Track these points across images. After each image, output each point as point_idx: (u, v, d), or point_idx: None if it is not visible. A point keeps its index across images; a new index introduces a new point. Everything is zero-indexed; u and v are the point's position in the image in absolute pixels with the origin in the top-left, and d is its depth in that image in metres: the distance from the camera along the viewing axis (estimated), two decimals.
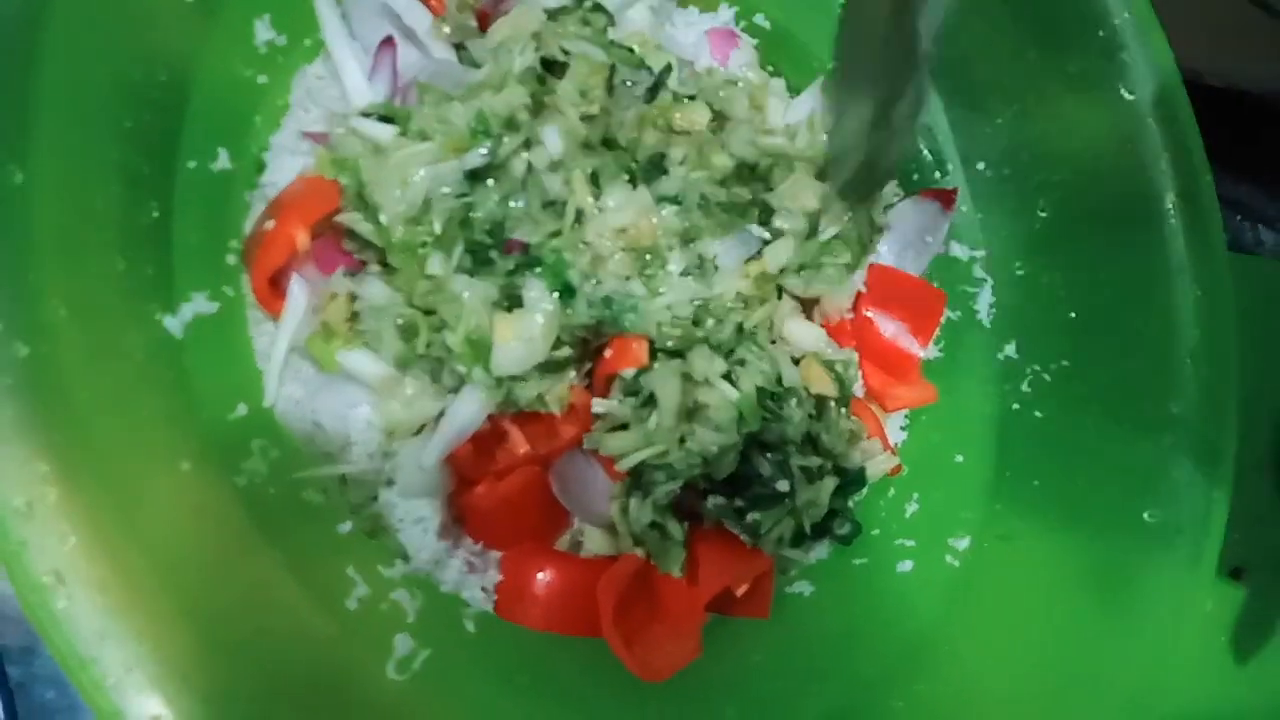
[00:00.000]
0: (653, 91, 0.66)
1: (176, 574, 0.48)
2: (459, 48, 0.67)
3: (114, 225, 0.53)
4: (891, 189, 0.78)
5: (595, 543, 0.66)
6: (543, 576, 0.63)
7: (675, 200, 0.66)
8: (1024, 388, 0.72)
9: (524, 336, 0.58)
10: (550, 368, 0.60)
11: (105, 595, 0.44)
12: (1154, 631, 0.61)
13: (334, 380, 0.62)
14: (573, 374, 0.63)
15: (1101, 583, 0.63)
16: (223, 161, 0.61)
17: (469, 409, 0.59)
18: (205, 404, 0.56)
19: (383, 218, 0.59)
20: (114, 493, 0.47)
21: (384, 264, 0.62)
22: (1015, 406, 0.72)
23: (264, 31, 0.63)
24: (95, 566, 0.44)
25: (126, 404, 0.51)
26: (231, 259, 0.61)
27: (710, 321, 0.65)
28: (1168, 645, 0.60)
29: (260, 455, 0.57)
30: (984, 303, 0.75)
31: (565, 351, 0.60)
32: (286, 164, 0.64)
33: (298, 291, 0.60)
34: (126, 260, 0.53)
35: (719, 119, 0.70)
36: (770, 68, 0.80)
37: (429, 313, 0.60)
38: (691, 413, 0.63)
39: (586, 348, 0.63)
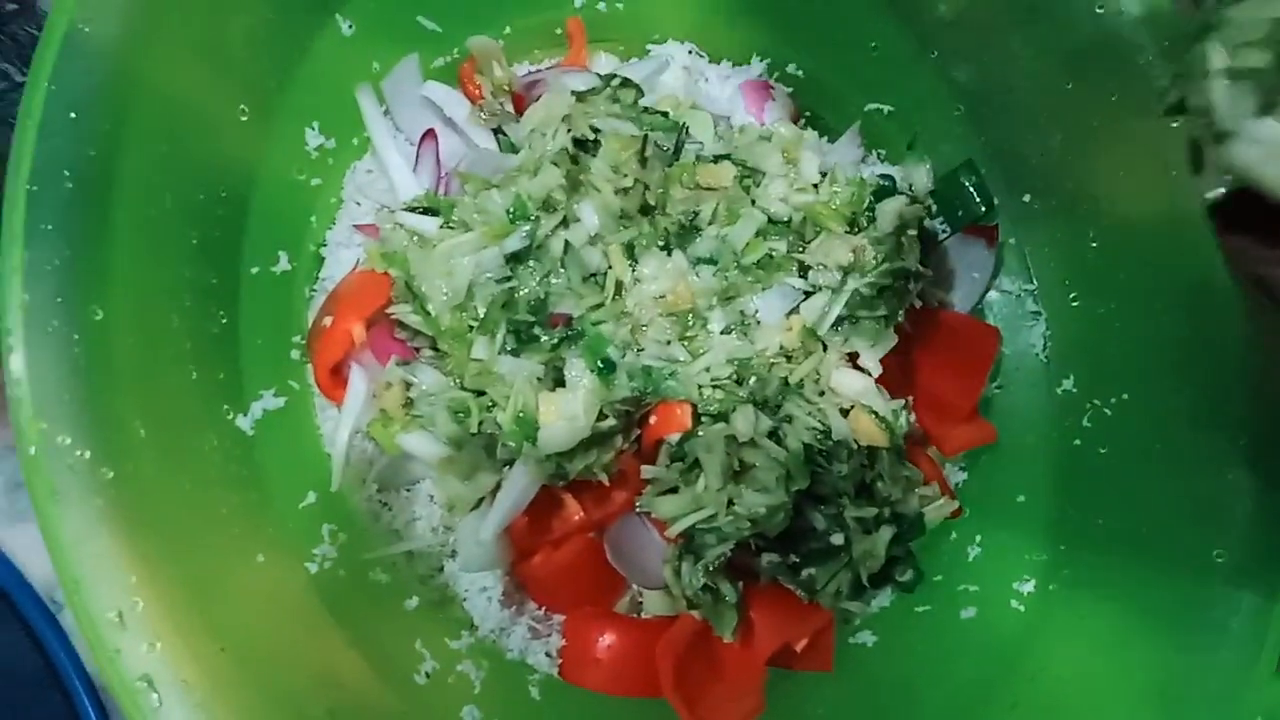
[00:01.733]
0: (675, 152, 0.67)
1: (255, 666, 0.52)
2: (498, 132, 0.71)
3: (186, 338, 0.57)
4: (936, 226, 0.78)
5: (655, 604, 0.67)
6: (604, 640, 0.65)
7: (711, 261, 0.67)
8: (1085, 423, 0.70)
9: (567, 415, 0.60)
10: (596, 440, 0.62)
11: (191, 694, 0.48)
12: (1228, 675, 0.59)
13: (396, 459, 0.66)
14: (620, 442, 0.65)
15: (1172, 626, 0.61)
16: (283, 263, 0.65)
17: (521, 483, 0.62)
18: (277, 495, 0.60)
19: (430, 307, 0.62)
20: (196, 593, 0.51)
21: (436, 349, 0.65)
22: (1076, 443, 0.70)
23: (314, 138, 0.67)
24: (181, 668, 0.48)
25: (205, 506, 0.55)
26: (295, 354, 0.65)
27: (753, 380, 0.66)
28: (1243, 689, 0.58)
29: (330, 540, 0.61)
30: (1039, 337, 0.74)
31: (610, 423, 0.62)
32: (342, 258, 0.68)
33: (357, 380, 0.64)
34: (199, 369, 0.58)
35: (754, 174, 0.71)
36: (808, 113, 0.80)
37: (479, 394, 0.63)
38: (739, 474, 0.64)
39: (631, 418, 0.65)
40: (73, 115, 0.49)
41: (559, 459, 0.62)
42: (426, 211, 0.65)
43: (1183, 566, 0.62)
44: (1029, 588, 0.67)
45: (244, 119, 0.62)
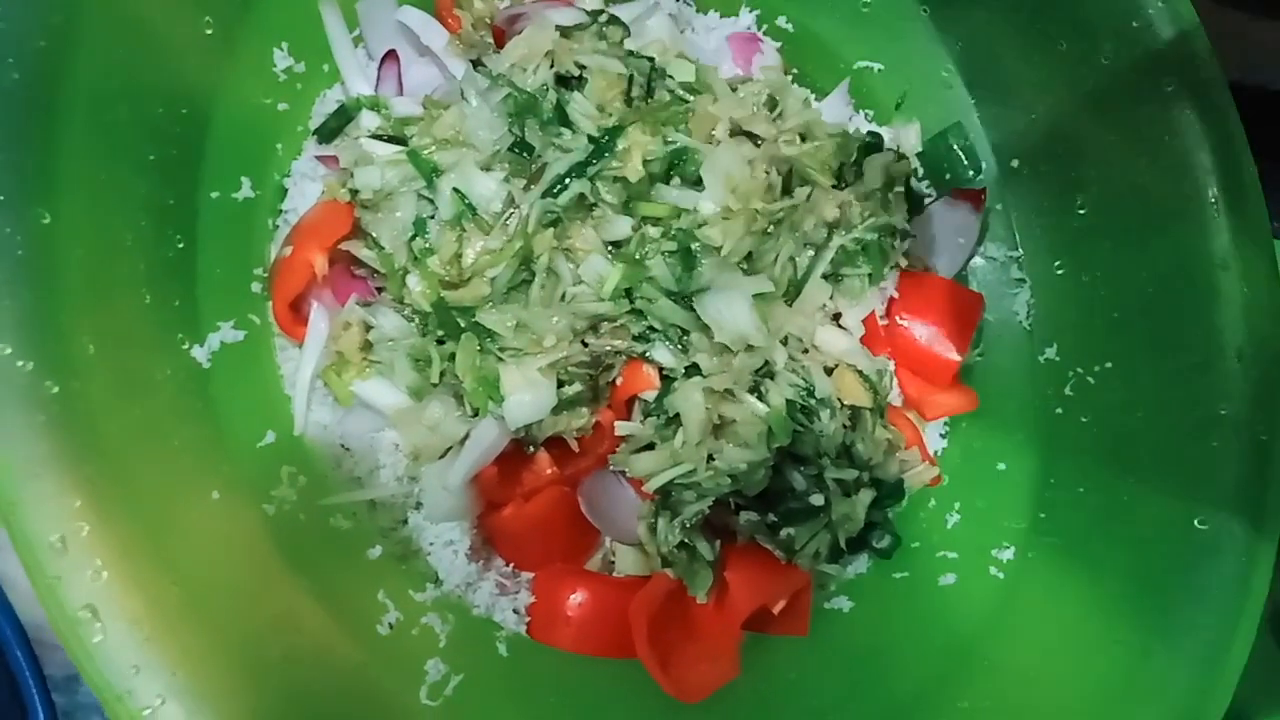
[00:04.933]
0: (648, 90, 0.65)
1: (207, 604, 0.48)
2: (476, 63, 0.67)
3: (140, 259, 0.53)
4: (922, 189, 0.77)
5: (627, 562, 0.65)
6: (575, 598, 0.62)
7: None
8: (1067, 391, 0.69)
9: (530, 379, 0.57)
10: (563, 405, 0.59)
11: (139, 628, 0.44)
12: (1206, 643, 0.58)
13: (360, 404, 0.62)
14: (586, 411, 0.62)
15: (1151, 593, 0.61)
16: (245, 190, 0.61)
17: (491, 433, 0.59)
18: (234, 432, 0.56)
19: (384, 243, 0.59)
20: (146, 525, 0.47)
21: None
22: (1058, 411, 0.69)
23: (283, 59, 0.64)
24: (128, 600, 0.44)
25: (156, 435, 0.51)
26: (256, 287, 0.61)
27: None
28: (1221, 657, 0.58)
29: (289, 482, 0.57)
30: (1023, 304, 0.73)
31: (576, 388, 0.60)
32: (307, 190, 0.65)
33: (318, 319, 0.61)
34: (153, 293, 0.54)
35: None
36: (795, 70, 0.78)
37: (441, 341, 0.60)
38: (719, 429, 0.62)
39: (595, 382, 0.62)
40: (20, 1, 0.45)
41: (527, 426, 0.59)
42: (391, 140, 0.62)
43: (1164, 534, 0.62)
44: (1008, 555, 0.67)
45: (208, 33, 0.59)
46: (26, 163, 0.46)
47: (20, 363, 0.43)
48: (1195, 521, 0.61)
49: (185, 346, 0.55)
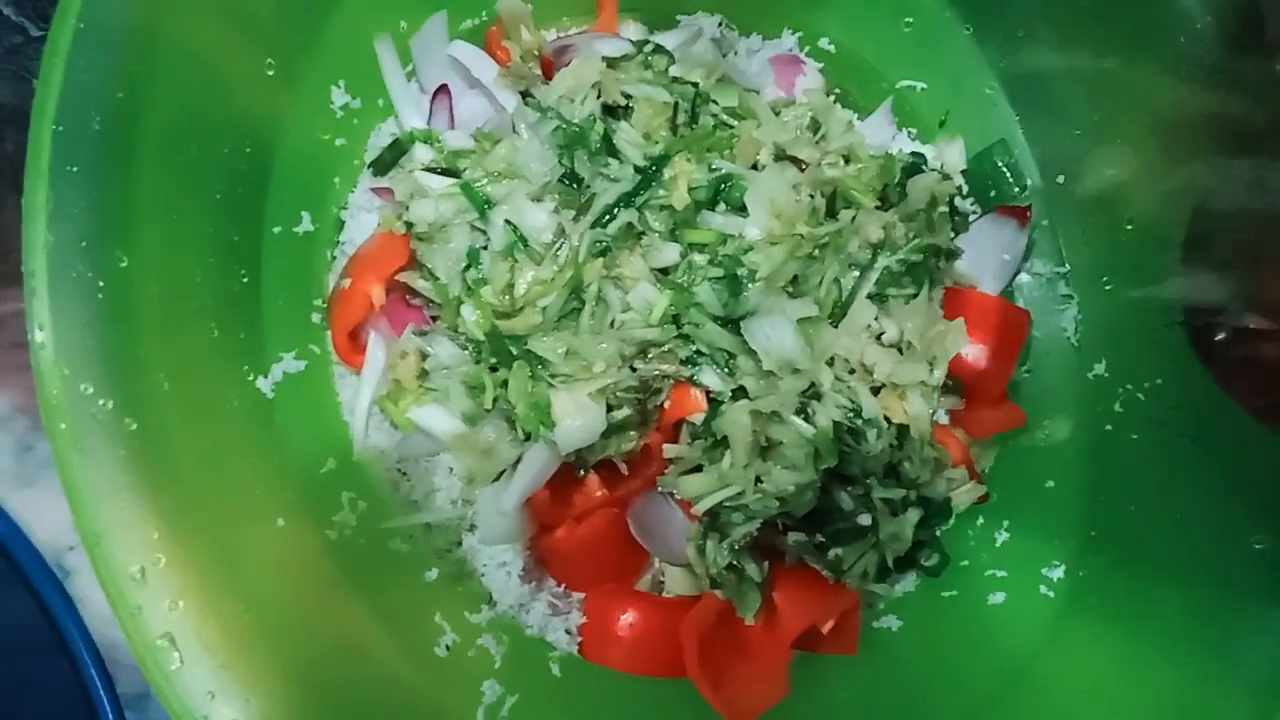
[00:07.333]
0: (693, 116, 0.65)
1: (276, 629, 0.50)
2: (525, 95, 0.69)
3: (208, 295, 0.56)
4: (967, 206, 0.77)
5: (677, 583, 0.66)
6: (626, 618, 0.63)
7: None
8: (1116, 408, 0.68)
9: (580, 405, 0.58)
10: (613, 429, 0.60)
11: (214, 655, 0.46)
12: (1267, 667, 0.57)
13: (416, 429, 0.64)
14: (635, 434, 0.63)
15: (1208, 615, 0.60)
16: (305, 224, 0.63)
17: (543, 457, 0.60)
18: (297, 460, 0.58)
19: (439, 274, 0.61)
20: (217, 553, 0.49)
21: None
22: (1108, 428, 0.69)
23: (340, 96, 0.66)
24: (204, 627, 0.46)
25: (225, 465, 0.53)
26: (316, 317, 0.63)
27: None
28: None
29: (349, 507, 0.59)
30: (1070, 320, 0.72)
31: (625, 412, 0.61)
32: (364, 221, 0.67)
33: (376, 347, 0.63)
34: (220, 327, 0.56)
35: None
36: (838, 90, 0.79)
37: (494, 369, 0.61)
38: (766, 451, 0.62)
39: (644, 405, 0.63)
40: (101, 54, 0.47)
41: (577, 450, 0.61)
42: (444, 173, 0.64)
43: (1220, 553, 0.61)
44: (1059, 574, 0.66)
45: (270, 74, 0.61)
46: (106, 207, 0.48)
47: (102, 401, 0.45)
48: (1253, 541, 0.60)
49: (251, 378, 0.57)
